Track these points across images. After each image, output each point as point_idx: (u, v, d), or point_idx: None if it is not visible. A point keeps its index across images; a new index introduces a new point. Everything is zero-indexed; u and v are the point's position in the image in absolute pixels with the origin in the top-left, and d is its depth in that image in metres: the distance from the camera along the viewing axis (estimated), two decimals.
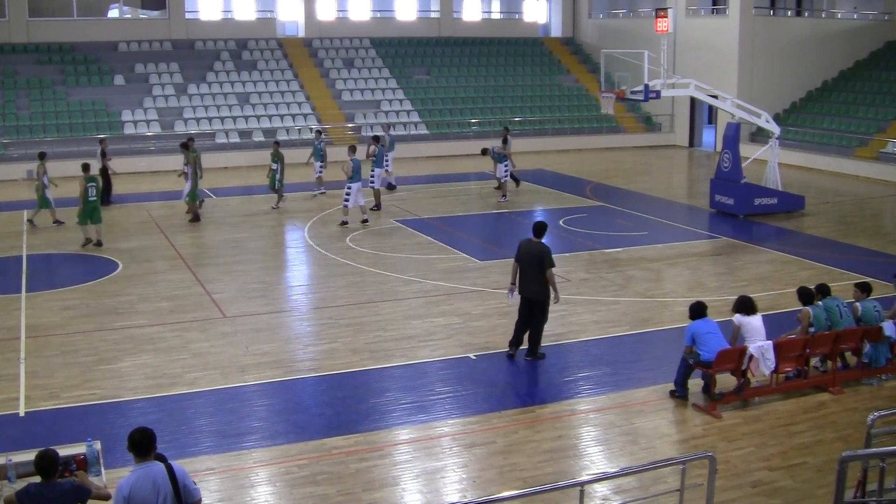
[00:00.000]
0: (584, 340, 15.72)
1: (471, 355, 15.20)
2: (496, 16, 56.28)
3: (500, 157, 29.60)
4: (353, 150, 26.09)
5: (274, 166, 27.97)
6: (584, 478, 10.54)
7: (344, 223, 25.36)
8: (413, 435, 12.30)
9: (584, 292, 18.37)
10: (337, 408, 13.24)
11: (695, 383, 13.41)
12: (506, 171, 29.58)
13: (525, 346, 15.11)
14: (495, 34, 51.32)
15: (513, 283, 15.02)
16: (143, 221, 26.74)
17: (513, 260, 15.08)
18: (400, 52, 47.80)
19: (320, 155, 30.33)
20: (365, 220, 25.67)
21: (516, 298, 15.02)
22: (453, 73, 47.16)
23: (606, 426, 12.59)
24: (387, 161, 31.30)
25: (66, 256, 22.62)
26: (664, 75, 28.15)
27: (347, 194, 25.18)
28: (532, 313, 14.88)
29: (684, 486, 9.22)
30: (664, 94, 27.44)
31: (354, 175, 25.07)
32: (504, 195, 29.53)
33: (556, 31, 53.01)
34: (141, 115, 39.88)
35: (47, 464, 7.84)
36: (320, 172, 30.43)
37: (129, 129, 39.01)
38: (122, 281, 20.20)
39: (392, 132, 32.90)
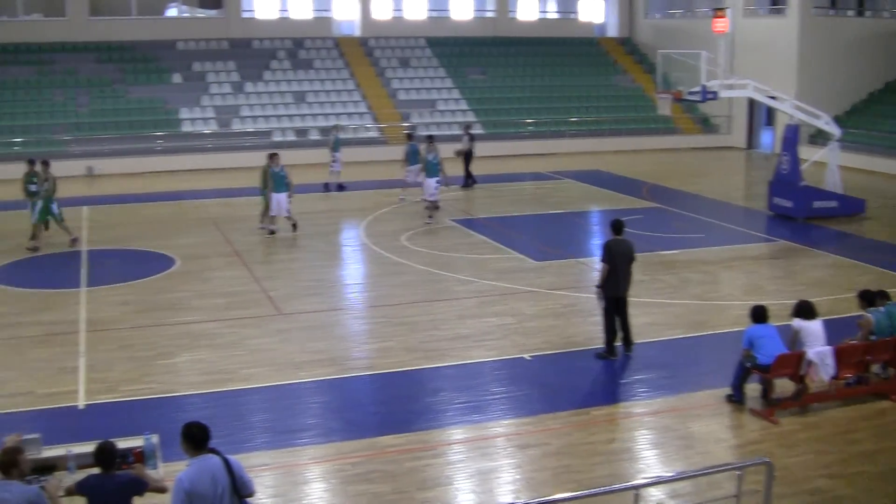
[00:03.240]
0: (640, 343, 15.53)
1: (525, 356, 15.16)
2: (552, 15, 56.06)
3: (434, 167, 26.11)
4: (273, 157, 24.67)
5: (33, 187, 23.55)
6: (639, 481, 10.45)
7: (272, 232, 24.39)
8: (467, 435, 12.29)
9: (640, 294, 18.11)
10: (391, 406, 13.26)
11: (752, 388, 13.25)
12: (437, 186, 26.08)
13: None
14: (551, 34, 51.11)
15: (601, 286, 14.97)
16: (199, 218, 27.00)
17: (603, 262, 14.93)
18: (455, 51, 47.79)
19: (417, 158, 28.06)
20: (273, 232, 24.35)
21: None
22: (509, 72, 47.02)
23: (662, 430, 12.49)
24: (334, 161, 31.23)
25: (125, 252, 22.90)
26: (722, 76, 27.87)
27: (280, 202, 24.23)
28: (621, 310, 15.04)
29: (741, 492, 9.12)
30: (722, 95, 27.17)
31: (276, 185, 24.07)
32: (431, 215, 26.14)
33: (612, 31, 52.71)
34: (198, 114, 40.29)
35: (106, 456, 7.99)
36: (415, 175, 28.25)
37: (186, 127, 39.42)
38: (178, 277, 20.42)
39: (340, 134, 32.69)
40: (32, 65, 41.34)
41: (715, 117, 45.19)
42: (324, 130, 36.00)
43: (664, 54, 30.33)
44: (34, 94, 39.72)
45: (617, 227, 15.22)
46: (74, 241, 23.42)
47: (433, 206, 26.16)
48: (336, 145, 31.45)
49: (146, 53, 43.43)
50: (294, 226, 24.54)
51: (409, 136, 30.06)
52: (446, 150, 29.39)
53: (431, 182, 25.98)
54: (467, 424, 12.58)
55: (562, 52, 49.39)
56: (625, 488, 9.65)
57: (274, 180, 24.01)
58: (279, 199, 24.04)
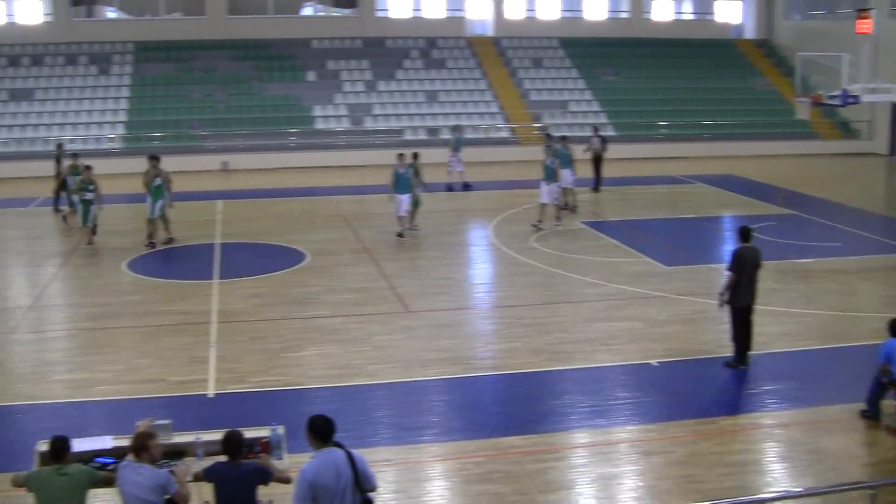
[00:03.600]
0: (771, 353, 15.18)
1: (652, 362, 14.93)
2: (688, 16, 55.10)
3: (550, 171, 25.03)
4: (412, 156, 24.74)
5: (89, 195, 23.16)
6: (766, 495, 10.20)
7: (400, 234, 24.09)
8: (590, 439, 12.18)
9: (773, 303, 17.69)
10: (515, 407, 13.23)
11: (888, 404, 12.76)
12: (556, 189, 25.24)
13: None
14: (686, 35, 50.22)
15: (724, 294, 14.60)
16: (331, 215, 27.43)
17: (730, 271, 14.50)
18: (588, 52, 47.37)
19: (568, 161, 26.96)
20: (400, 234, 24.06)
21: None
22: (642, 74, 46.32)
23: (791, 443, 12.15)
24: (452, 160, 31.50)
25: (256, 246, 23.40)
26: (865, 79, 27.02)
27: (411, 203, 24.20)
28: (747, 320, 14.61)
29: None
30: (864, 99, 26.35)
31: (398, 186, 23.92)
32: (558, 217, 25.61)
33: (749, 33, 51.54)
34: (331, 111, 40.98)
35: (233, 444, 8.21)
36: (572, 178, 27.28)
37: (319, 125, 40.14)
38: (308, 272, 20.77)
39: (462, 134, 33.02)
40: (172, 62, 42.77)
41: (856, 122, 43.74)
42: (451, 130, 36.28)
43: (804, 57, 29.62)
44: (173, 90, 41.04)
45: (745, 234, 14.81)
46: (152, 244, 22.97)
47: (562, 208, 26.03)
48: (457, 145, 31.69)
49: (282, 51, 44.42)
50: (400, 234, 24.15)
51: (548, 137, 29.98)
52: (577, 152, 29.14)
53: (545, 186, 25.02)
54: (591, 428, 12.46)
55: (697, 54, 48.47)
56: (752, 501, 9.46)
57: (398, 181, 24.10)
58: (401, 200, 24.07)
